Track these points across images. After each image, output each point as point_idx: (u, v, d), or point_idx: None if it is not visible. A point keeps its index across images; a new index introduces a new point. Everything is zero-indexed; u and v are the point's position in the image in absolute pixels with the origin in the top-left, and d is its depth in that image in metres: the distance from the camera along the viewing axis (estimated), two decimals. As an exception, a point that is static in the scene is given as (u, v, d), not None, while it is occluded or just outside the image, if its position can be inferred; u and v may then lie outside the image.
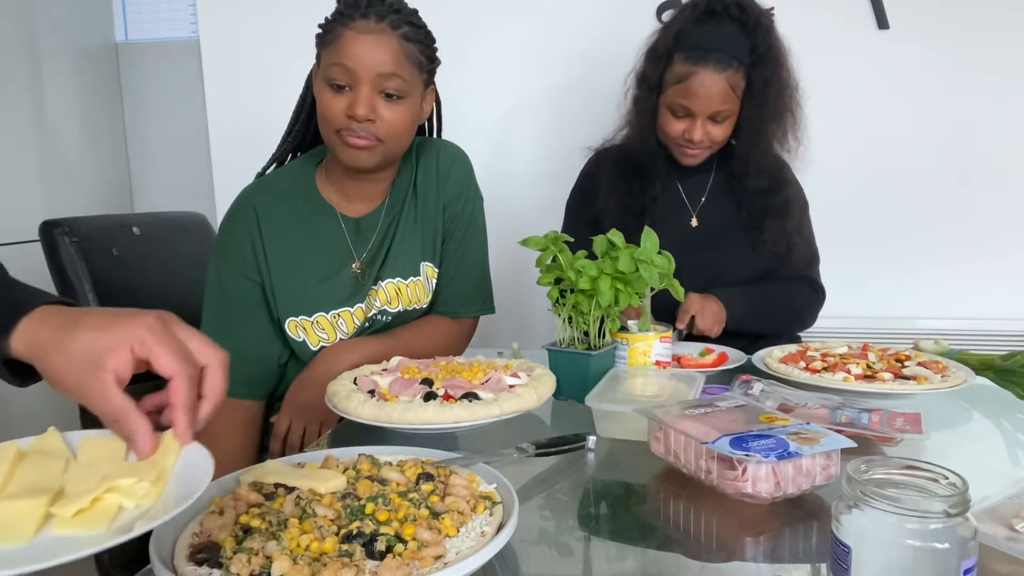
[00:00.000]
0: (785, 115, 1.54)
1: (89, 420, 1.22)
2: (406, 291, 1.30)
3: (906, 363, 1.19)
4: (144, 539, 0.62)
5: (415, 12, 1.22)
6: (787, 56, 1.52)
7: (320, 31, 1.22)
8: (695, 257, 1.41)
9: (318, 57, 1.23)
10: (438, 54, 1.27)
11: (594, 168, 1.69)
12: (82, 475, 0.59)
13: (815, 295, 1.61)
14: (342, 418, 0.96)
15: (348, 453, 0.81)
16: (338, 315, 1.25)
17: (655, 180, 1.58)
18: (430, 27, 1.26)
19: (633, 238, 1.16)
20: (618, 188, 1.59)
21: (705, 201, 1.61)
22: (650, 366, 1.16)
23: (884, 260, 2.24)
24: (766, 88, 1.48)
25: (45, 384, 0.65)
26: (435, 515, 0.65)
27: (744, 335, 1.44)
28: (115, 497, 0.56)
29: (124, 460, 0.63)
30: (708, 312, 1.40)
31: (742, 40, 1.46)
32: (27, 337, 0.63)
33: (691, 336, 1.41)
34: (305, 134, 1.35)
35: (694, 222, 1.59)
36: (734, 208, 1.58)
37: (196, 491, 0.55)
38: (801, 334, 1.66)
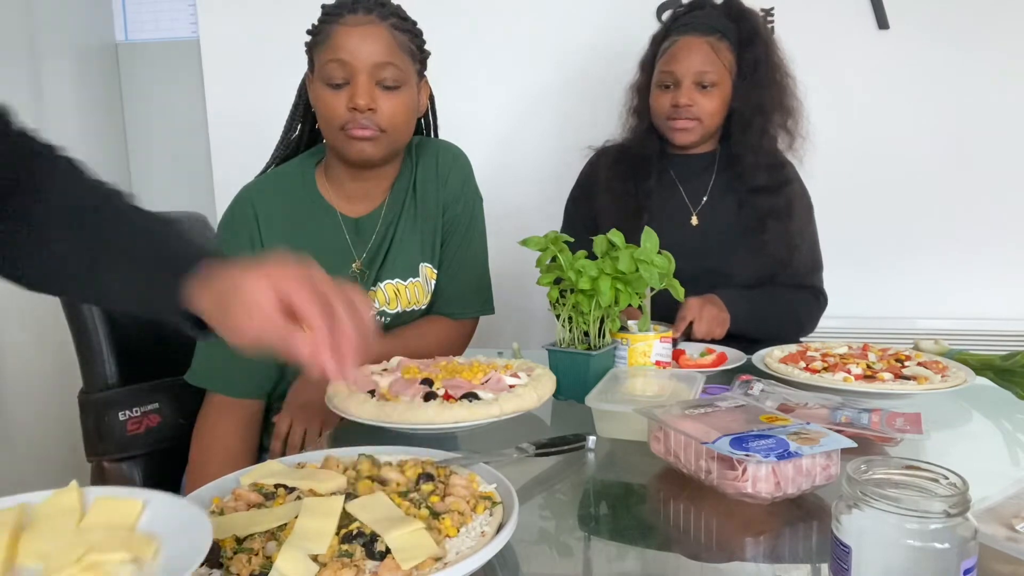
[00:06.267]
0: (781, 102, 1.55)
1: (89, 417, 1.23)
2: (405, 292, 1.30)
3: (906, 363, 1.19)
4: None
5: (399, 6, 1.24)
6: (779, 48, 1.56)
7: (309, 38, 1.23)
8: (695, 257, 1.41)
9: (311, 63, 1.24)
10: (429, 47, 1.29)
11: (593, 168, 1.70)
12: (71, 544, 0.52)
13: (817, 302, 1.61)
14: (342, 418, 0.96)
15: (348, 453, 0.80)
16: (338, 315, 1.25)
17: (651, 172, 1.59)
18: (431, 26, 1.27)
19: (631, 237, 1.16)
20: (615, 187, 1.60)
21: (706, 202, 1.60)
22: (650, 366, 1.16)
23: (884, 260, 2.24)
24: (756, 67, 1.51)
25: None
26: (435, 515, 0.65)
27: (744, 338, 1.43)
28: None
29: (132, 529, 0.56)
30: (706, 316, 1.38)
31: (727, 22, 1.53)
32: (197, 302, 0.69)
33: (692, 340, 1.40)
34: (299, 144, 1.36)
35: (694, 220, 1.59)
36: (736, 210, 1.58)
37: (191, 564, 0.49)
38: (801, 334, 1.66)
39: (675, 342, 1.35)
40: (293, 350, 0.65)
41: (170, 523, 0.56)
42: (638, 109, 1.63)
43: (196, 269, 0.70)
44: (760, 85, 1.52)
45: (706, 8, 1.56)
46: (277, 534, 0.62)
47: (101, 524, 0.56)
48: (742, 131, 1.55)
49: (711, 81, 1.50)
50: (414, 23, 1.25)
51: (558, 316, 1.17)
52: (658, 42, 1.59)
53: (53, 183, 0.79)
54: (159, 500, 0.59)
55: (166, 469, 1.27)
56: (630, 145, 1.64)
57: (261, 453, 1.28)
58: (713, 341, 1.39)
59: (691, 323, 1.37)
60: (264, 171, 1.37)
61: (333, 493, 0.68)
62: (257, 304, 0.64)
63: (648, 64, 1.60)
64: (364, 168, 1.26)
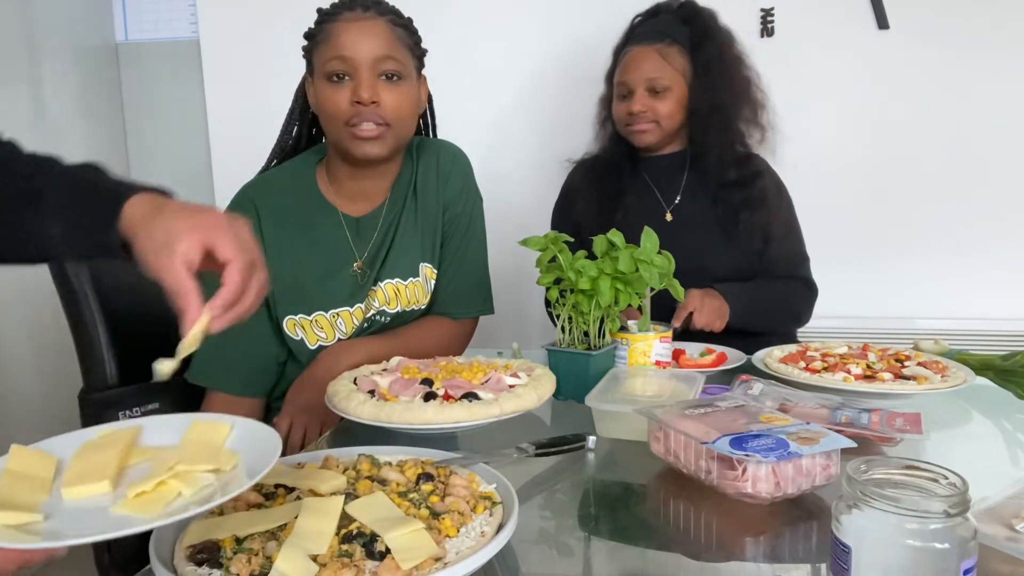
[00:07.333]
0: (746, 96, 1.58)
1: (89, 417, 1.23)
2: (405, 292, 1.30)
3: (906, 363, 1.19)
4: (144, 538, 0.62)
5: (393, 5, 1.26)
6: (737, 45, 1.60)
7: (307, 41, 1.24)
8: (670, 252, 1.42)
9: (310, 63, 1.25)
10: (429, 47, 1.30)
11: (572, 178, 1.75)
12: (166, 458, 0.64)
13: (809, 291, 1.63)
14: (342, 418, 0.96)
15: (348, 453, 0.81)
16: (337, 315, 1.25)
17: (622, 174, 1.64)
18: (427, 24, 1.28)
19: None
20: (591, 193, 1.65)
21: (680, 201, 1.63)
22: (650, 366, 1.16)
23: (884, 260, 2.24)
24: (710, 67, 1.55)
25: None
26: (435, 515, 0.65)
27: (743, 332, 1.44)
28: (177, 483, 0.60)
29: (220, 446, 0.68)
30: (707, 307, 1.39)
31: (678, 25, 1.57)
32: (126, 221, 0.72)
33: (694, 333, 1.40)
34: (296, 146, 1.36)
35: (668, 217, 1.61)
36: (709, 206, 1.60)
37: (260, 473, 0.59)
38: (801, 335, 1.66)
39: (674, 332, 1.36)
40: (181, 307, 0.68)
41: (250, 442, 0.68)
42: (605, 119, 1.69)
43: (133, 195, 0.73)
44: (716, 83, 1.55)
45: (660, 15, 1.60)
46: (277, 534, 0.62)
47: (195, 441, 0.68)
48: (702, 130, 1.58)
49: (663, 86, 1.54)
50: (410, 20, 1.27)
51: (557, 316, 1.17)
52: (617, 54, 1.64)
53: None
54: (242, 424, 0.71)
55: (166, 469, 1.27)
56: (601, 153, 1.70)
57: (261, 453, 1.27)
58: (711, 334, 1.39)
59: (690, 314, 1.38)
60: (263, 171, 1.37)
61: (333, 493, 0.68)
62: (176, 251, 0.68)
63: (611, 76, 1.66)
64: (367, 166, 1.26)
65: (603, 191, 1.64)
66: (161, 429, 0.72)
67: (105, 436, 0.69)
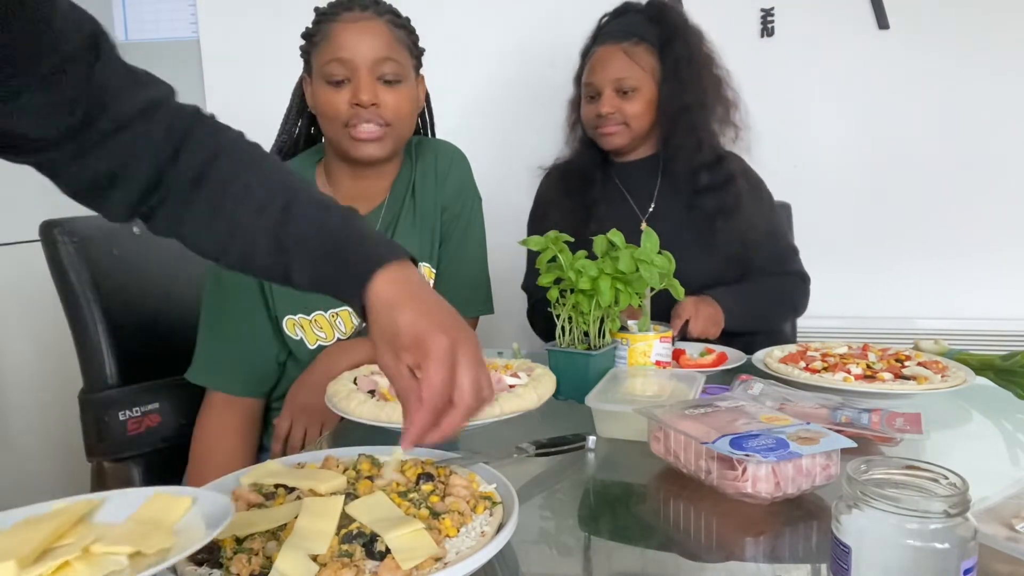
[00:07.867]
0: (718, 95, 1.55)
1: (89, 417, 1.23)
2: (404, 291, 1.30)
3: (906, 363, 1.19)
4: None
5: (391, 4, 1.26)
6: (707, 43, 1.57)
7: (305, 40, 1.24)
8: None
9: (308, 64, 1.25)
10: (422, 43, 1.30)
11: (545, 186, 1.72)
12: (86, 535, 0.55)
13: (803, 282, 1.61)
14: (342, 418, 0.96)
15: (348, 453, 0.81)
16: (336, 314, 1.25)
17: (594, 182, 1.61)
18: (421, 21, 1.29)
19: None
20: (564, 203, 1.62)
21: (654, 207, 1.60)
22: (650, 366, 1.16)
23: (884, 260, 2.24)
24: (679, 66, 1.51)
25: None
26: (435, 515, 0.65)
27: (742, 332, 1.43)
28: (82, 567, 0.51)
29: (170, 525, 0.58)
30: (702, 316, 1.38)
31: (646, 23, 1.54)
32: (369, 300, 0.72)
33: (689, 339, 1.40)
34: (295, 146, 1.36)
35: (643, 226, 1.58)
36: (684, 212, 1.57)
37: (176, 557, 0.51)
38: (801, 335, 1.66)
39: (672, 340, 1.35)
40: (405, 407, 0.70)
41: (207, 513, 0.58)
42: (575, 123, 1.66)
43: (381, 270, 0.72)
44: (685, 83, 1.51)
45: (627, 14, 1.57)
46: (277, 534, 0.62)
47: (140, 518, 0.59)
48: (669, 132, 1.54)
49: (631, 86, 1.51)
50: (408, 19, 1.27)
51: (557, 316, 1.17)
52: (584, 55, 1.61)
53: (245, 163, 0.82)
54: (206, 497, 0.61)
55: (166, 469, 1.27)
56: (573, 159, 1.67)
57: (261, 453, 1.28)
58: (708, 340, 1.39)
59: (686, 322, 1.37)
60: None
61: (333, 493, 0.68)
62: (400, 357, 0.70)
63: (579, 78, 1.62)
64: (366, 167, 1.27)
65: (576, 201, 1.60)
66: (124, 503, 0.62)
67: (57, 510, 0.59)
